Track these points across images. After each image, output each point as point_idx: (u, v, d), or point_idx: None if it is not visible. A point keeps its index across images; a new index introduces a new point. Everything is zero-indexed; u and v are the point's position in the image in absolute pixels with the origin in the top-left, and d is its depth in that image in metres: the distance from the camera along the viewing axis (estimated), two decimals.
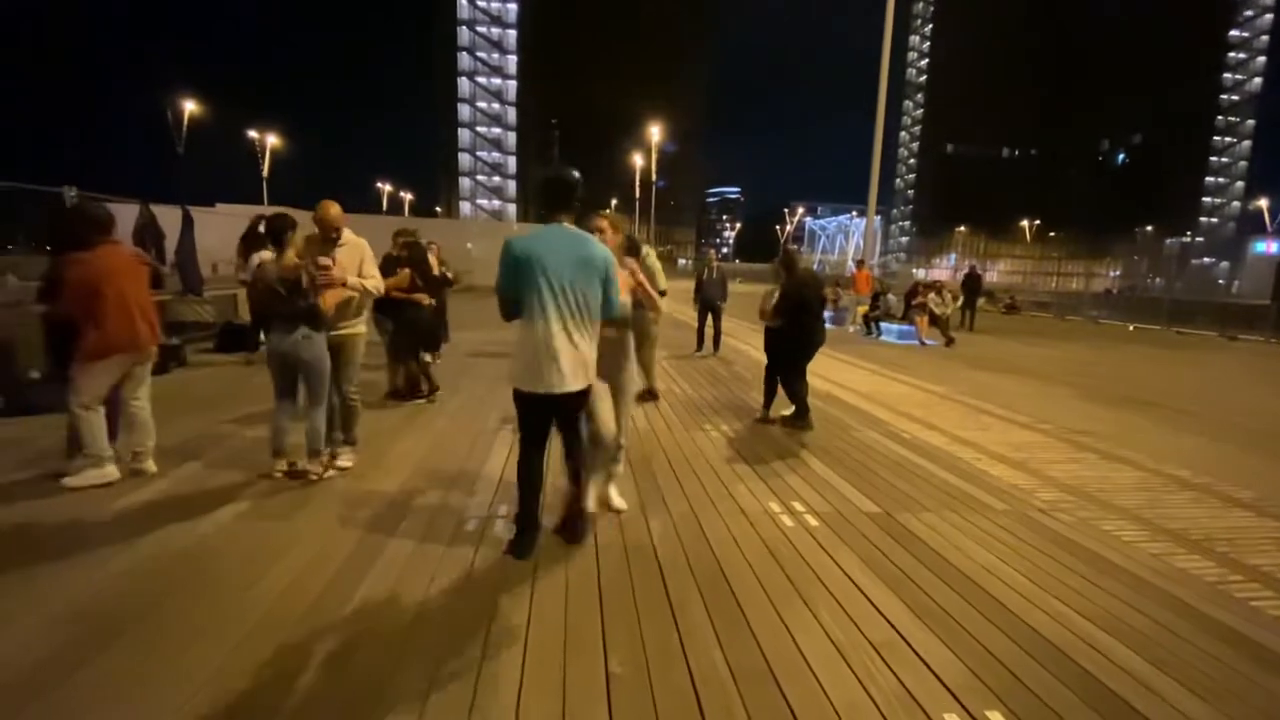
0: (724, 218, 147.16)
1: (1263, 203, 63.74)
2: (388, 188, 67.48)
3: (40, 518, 3.28)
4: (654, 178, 42.57)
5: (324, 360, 3.80)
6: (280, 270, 3.65)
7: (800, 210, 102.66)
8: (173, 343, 7.08)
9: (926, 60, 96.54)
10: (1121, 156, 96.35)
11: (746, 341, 11.23)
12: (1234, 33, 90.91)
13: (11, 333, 5.45)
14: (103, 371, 3.67)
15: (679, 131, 75.18)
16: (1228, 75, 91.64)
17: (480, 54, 78.81)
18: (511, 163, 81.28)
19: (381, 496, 3.67)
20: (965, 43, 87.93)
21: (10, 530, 3.14)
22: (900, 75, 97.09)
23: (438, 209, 77.68)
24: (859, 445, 5.12)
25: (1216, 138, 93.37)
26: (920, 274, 58.59)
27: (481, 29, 78.40)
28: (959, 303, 14.36)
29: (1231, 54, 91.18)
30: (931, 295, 12.94)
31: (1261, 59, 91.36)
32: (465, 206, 79.41)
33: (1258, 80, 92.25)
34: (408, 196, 69.27)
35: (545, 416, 2.99)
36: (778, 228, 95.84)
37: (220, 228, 11.20)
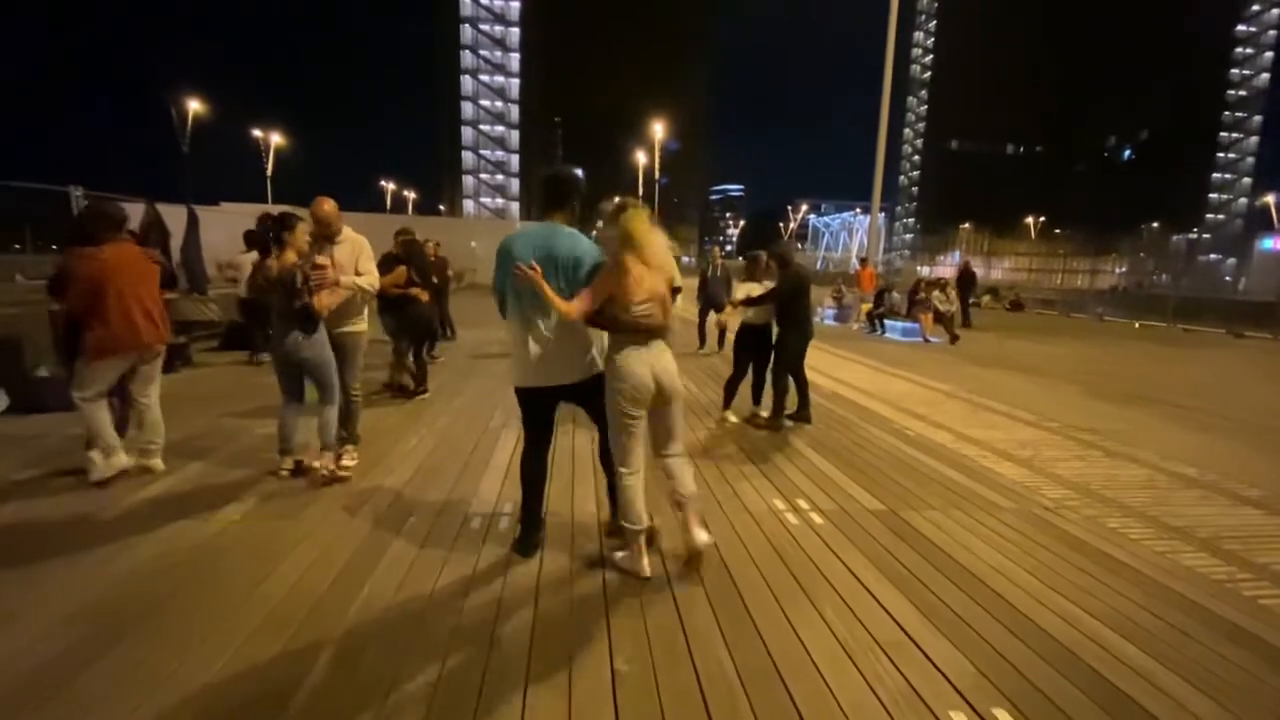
0: (727, 215, 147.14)
1: (1270, 199, 63.21)
2: (391, 186, 67.52)
3: (48, 515, 3.29)
4: (657, 175, 42.46)
5: (325, 358, 3.81)
6: (279, 270, 3.66)
7: (804, 207, 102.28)
8: (179, 341, 7.11)
9: (931, 56, 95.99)
10: (1127, 153, 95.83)
11: None
12: (1241, 28, 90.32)
13: (19, 331, 5.49)
14: (104, 368, 3.69)
15: (682, 129, 75.15)
16: (1235, 71, 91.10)
17: (483, 52, 78.75)
18: (515, 161, 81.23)
19: (386, 494, 3.69)
20: (969, 39, 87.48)
21: (18, 527, 3.16)
22: (904, 72, 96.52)
23: (441, 207, 77.72)
24: (864, 443, 5.11)
25: (1223, 134, 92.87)
26: (924, 271, 58.40)
27: (484, 27, 78.31)
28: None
29: (1239, 49, 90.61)
30: (936, 292, 12.91)
31: (1269, 54, 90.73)
32: (469, 205, 79.40)
33: (1265, 76, 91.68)
34: (411, 195, 69.19)
35: (544, 412, 2.99)
36: (780, 225, 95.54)
37: (225, 226, 11.22)
